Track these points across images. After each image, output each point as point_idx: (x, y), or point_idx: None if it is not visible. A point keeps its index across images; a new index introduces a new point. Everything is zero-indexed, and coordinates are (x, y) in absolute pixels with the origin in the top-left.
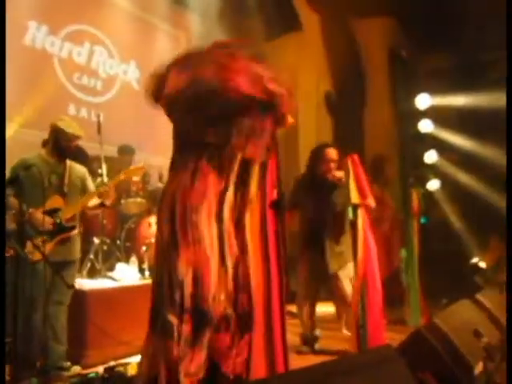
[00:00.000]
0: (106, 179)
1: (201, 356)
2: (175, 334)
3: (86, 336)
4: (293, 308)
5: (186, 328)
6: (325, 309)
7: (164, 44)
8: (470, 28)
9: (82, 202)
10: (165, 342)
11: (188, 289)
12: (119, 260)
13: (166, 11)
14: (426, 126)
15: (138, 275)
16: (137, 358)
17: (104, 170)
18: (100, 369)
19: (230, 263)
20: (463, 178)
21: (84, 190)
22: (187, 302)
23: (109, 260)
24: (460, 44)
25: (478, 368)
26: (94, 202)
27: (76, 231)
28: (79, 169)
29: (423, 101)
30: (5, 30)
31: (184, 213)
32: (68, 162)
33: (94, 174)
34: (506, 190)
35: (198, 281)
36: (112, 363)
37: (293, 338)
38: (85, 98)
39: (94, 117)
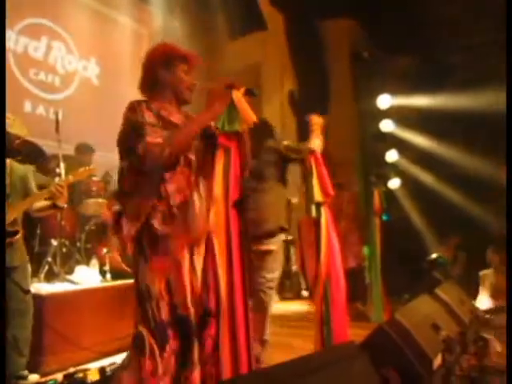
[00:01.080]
0: (64, 178)
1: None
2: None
3: (43, 342)
4: None
5: (174, 343)
6: (289, 307)
7: (126, 40)
8: (432, 31)
9: (24, 205)
10: (139, 358)
11: (164, 299)
12: (79, 262)
13: (128, 6)
14: (387, 125)
15: (99, 278)
16: (97, 364)
17: (62, 169)
18: (59, 376)
19: (198, 266)
20: (423, 176)
21: (26, 191)
22: (165, 314)
23: (68, 263)
24: (422, 46)
25: (437, 361)
26: (43, 203)
27: (19, 235)
28: (21, 169)
29: (385, 101)
30: (5, 30)
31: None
32: (8, 161)
33: (52, 173)
34: (506, 190)
35: (172, 289)
36: (71, 370)
37: None
38: (42, 95)
39: (52, 114)
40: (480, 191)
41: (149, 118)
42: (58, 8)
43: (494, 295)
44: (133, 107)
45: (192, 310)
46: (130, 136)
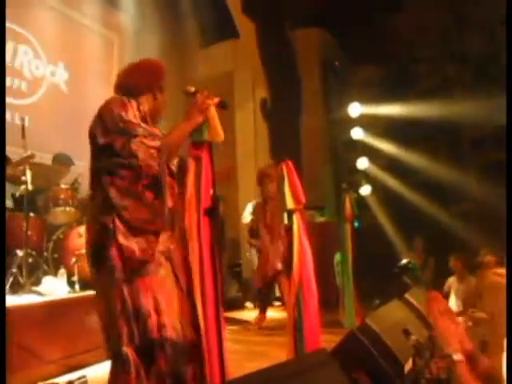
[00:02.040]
0: (30, 187)
1: None
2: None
3: (8, 358)
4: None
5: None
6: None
7: (96, 46)
8: (401, 42)
9: None
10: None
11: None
12: (46, 273)
13: (97, 12)
14: (357, 133)
15: (68, 288)
16: (65, 378)
17: (28, 176)
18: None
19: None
20: (392, 183)
21: None
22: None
23: (34, 273)
24: (391, 56)
25: (408, 365)
26: None
27: None
28: None
29: (355, 109)
30: (5, 30)
31: None
32: None
33: (18, 180)
34: (506, 190)
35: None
36: None
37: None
38: (8, 100)
39: (17, 120)
40: (444, 196)
41: (138, 118)
42: (26, 12)
43: (461, 301)
44: (122, 103)
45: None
46: (114, 131)
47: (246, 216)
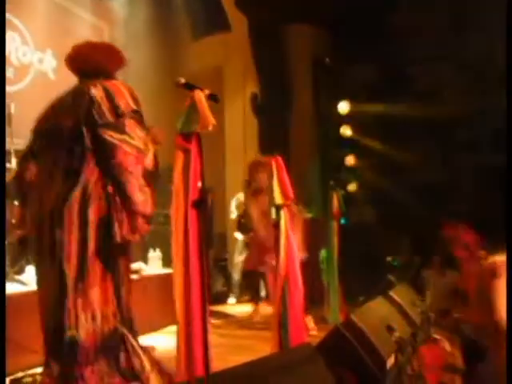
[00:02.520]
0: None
1: None
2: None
3: None
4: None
5: None
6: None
7: (85, 34)
8: (396, 41)
9: None
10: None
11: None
12: (29, 262)
13: (88, 1)
14: (346, 130)
15: None
16: None
17: (14, 164)
18: (6, 381)
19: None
20: (380, 181)
21: None
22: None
23: (18, 263)
24: (384, 56)
25: (390, 361)
26: None
27: None
28: None
29: (345, 107)
30: (4, 30)
31: None
32: None
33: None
34: (506, 190)
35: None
36: (20, 374)
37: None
38: None
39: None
40: (434, 197)
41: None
42: None
43: (442, 296)
44: (109, 93)
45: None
46: (97, 117)
47: (233, 211)
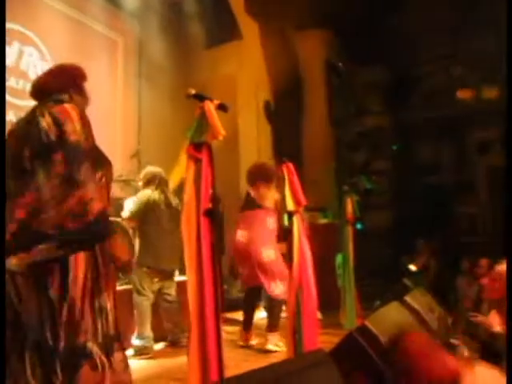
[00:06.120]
0: None
1: None
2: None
3: None
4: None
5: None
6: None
7: (100, 47)
8: (406, 42)
9: None
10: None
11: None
12: None
13: (102, 14)
14: (360, 134)
15: None
16: None
17: None
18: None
19: None
20: (395, 185)
21: None
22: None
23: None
24: (397, 57)
25: None
26: None
27: None
28: None
29: (358, 111)
30: (5, 30)
31: None
32: None
33: None
34: (506, 190)
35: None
36: None
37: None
38: (12, 101)
39: None
40: (449, 198)
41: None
42: (30, 13)
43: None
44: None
45: None
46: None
47: None
